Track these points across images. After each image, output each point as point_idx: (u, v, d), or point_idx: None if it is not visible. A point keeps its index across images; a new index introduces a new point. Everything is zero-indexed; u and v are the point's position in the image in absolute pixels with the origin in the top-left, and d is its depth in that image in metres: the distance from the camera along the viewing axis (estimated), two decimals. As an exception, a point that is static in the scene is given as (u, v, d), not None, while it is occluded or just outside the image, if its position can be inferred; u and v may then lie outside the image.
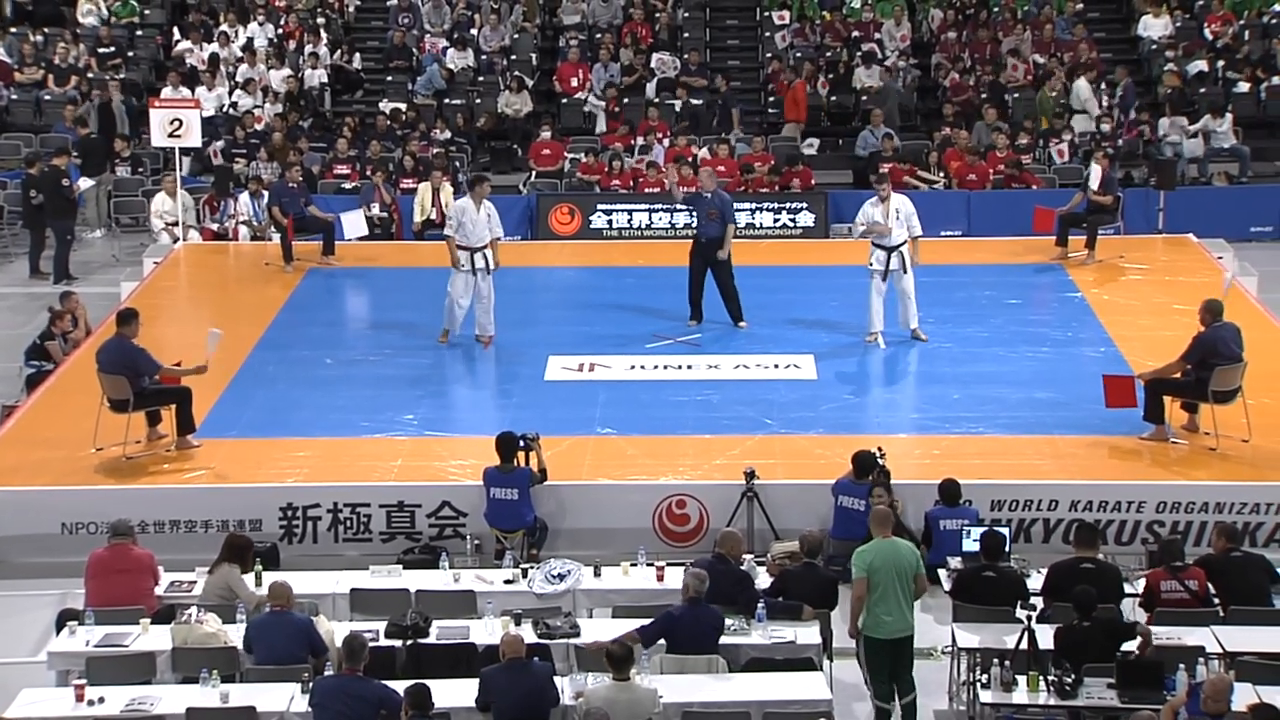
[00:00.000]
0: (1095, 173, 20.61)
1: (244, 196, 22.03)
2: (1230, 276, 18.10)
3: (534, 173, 24.53)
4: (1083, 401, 15.72)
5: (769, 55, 27.26)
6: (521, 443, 13.89)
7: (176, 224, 21.74)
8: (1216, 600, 11.91)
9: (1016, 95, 25.81)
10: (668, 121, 25.11)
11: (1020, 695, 10.82)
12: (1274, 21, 27.26)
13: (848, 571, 12.99)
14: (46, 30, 27.65)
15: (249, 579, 12.29)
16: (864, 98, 25.90)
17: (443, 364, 17.46)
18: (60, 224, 21.94)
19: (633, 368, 17.19)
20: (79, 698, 10.72)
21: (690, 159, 22.45)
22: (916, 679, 11.54)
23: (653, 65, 26.73)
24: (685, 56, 26.82)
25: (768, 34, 27.87)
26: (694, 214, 18.46)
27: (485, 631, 11.61)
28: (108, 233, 23.71)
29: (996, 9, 27.90)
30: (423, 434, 15.52)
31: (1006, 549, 12.38)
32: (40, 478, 14.54)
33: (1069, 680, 10.72)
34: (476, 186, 17.80)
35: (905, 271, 17.28)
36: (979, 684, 11.03)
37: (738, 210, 20.32)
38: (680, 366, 17.20)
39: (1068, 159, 24.04)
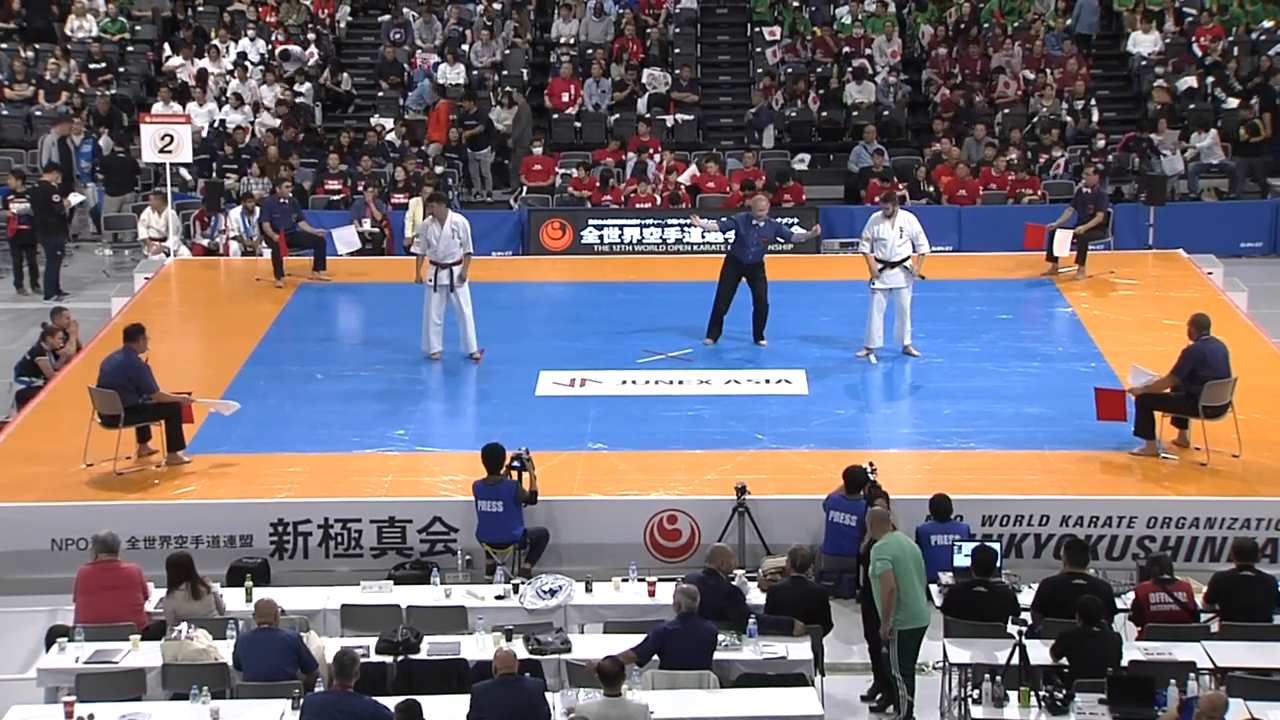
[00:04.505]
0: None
1: (234, 212, 22.04)
2: None
3: (525, 188, 24.56)
4: (1073, 416, 15.74)
5: (760, 71, 27.32)
6: (516, 463, 13.87)
7: (163, 239, 21.73)
8: (1206, 616, 11.92)
9: (1006, 111, 25.88)
10: (659, 137, 25.16)
11: (1012, 711, 10.81)
12: (1262, 38, 27.35)
13: (839, 586, 13.09)
14: (38, 46, 27.65)
15: (238, 594, 12.32)
16: (854, 113, 25.97)
17: (434, 379, 17.45)
18: (51, 240, 21.92)
19: (624, 383, 17.18)
20: (69, 715, 10.67)
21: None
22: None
23: (644, 81, 26.78)
24: (677, 72, 26.86)
25: (759, 50, 27.92)
26: (737, 234, 17.99)
27: (476, 647, 11.60)
28: (112, 249, 23.64)
29: (987, 25, 27.97)
30: (414, 449, 15.51)
31: (998, 564, 12.39)
32: (30, 494, 14.51)
33: (1060, 696, 10.73)
34: (432, 205, 17.78)
35: (905, 288, 17.31)
36: (970, 699, 11.02)
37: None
38: (671, 382, 17.20)
39: (1062, 172, 24.13)
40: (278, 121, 25.22)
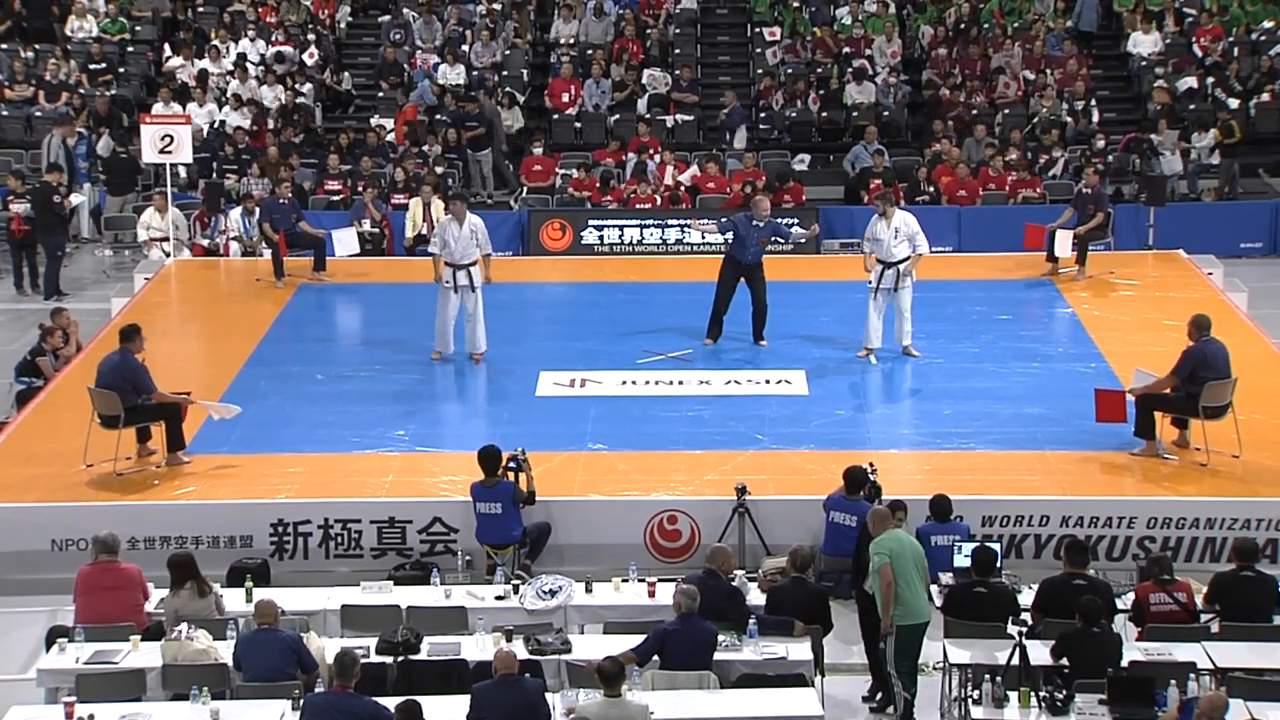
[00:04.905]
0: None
1: (235, 212, 22.03)
2: None
3: (525, 188, 24.56)
4: (1073, 417, 15.73)
5: (760, 71, 27.33)
6: (512, 464, 13.87)
7: (165, 239, 21.72)
8: (1206, 617, 11.93)
9: (1006, 111, 25.89)
10: (659, 137, 25.17)
11: (1012, 712, 10.81)
12: (1263, 39, 27.36)
13: (839, 587, 13.08)
14: (38, 46, 27.65)
15: (238, 595, 12.32)
16: (855, 114, 25.98)
17: (434, 380, 17.45)
18: (51, 240, 21.92)
19: (624, 383, 17.18)
20: (69, 715, 10.67)
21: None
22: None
23: (644, 81, 26.79)
24: (677, 73, 26.87)
25: (759, 50, 27.94)
26: (736, 234, 17.94)
27: (476, 648, 11.60)
28: (112, 249, 23.62)
29: (987, 25, 27.98)
30: (414, 450, 15.51)
31: (998, 564, 12.39)
32: (30, 494, 14.51)
33: (1060, 696, 10.73)
34: (452, 204, 17.80)
35: (903, 288, 17.30)
36: (970, 700, 11.02)
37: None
38: (671, 382, 17.19)
39: (1062, 173, 24.13)
40: (245, 122, 25.14)
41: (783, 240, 18.82)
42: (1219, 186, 24.49)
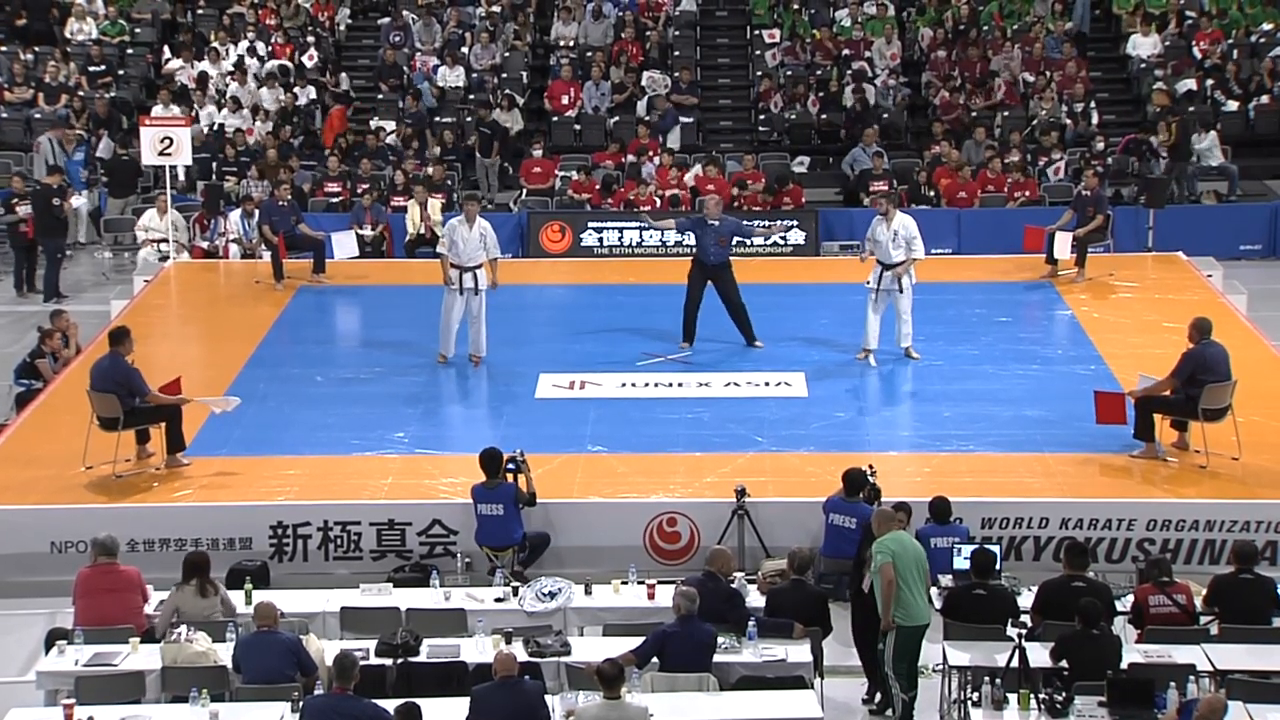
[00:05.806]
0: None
1: (234, 214, 22.03)
2: None
3: (525, 190, 24.56)
4: (1073, 419, 15.73)
5: (759, 74, 27.33)
6: (511, 465, 13.87)
7: (164, 241, 21.72)
8: (1206, 619, 11.92)
9: (1006, 114, 25.90)
10: (658, 139, 25.17)
11: (1011, 714, 10.81)
12: (1262, 41, 27.37)
13: (839, 589, 13.09)
14: (37, 49, 27.65)
15: (238, 597, 12.32)
16: (854, 116, 25.99)
17: (433, 382, 17.44)
18: (51, 242, 21.92)
19: (624, 385, 17.18)
20: (68, 717, 10.67)
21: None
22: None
23: (643, 84, 26.80)
24: (676, 75, 26.88)
25: (758, 52, 27.94)
26: (696, 238, 18.06)
27: (476, 650, 11.60)
28: (112, 252, 23.61)
29: (986, 27, 27.99)
30: (413, 452, 15.51)
31: (997, 567, 12.39)
32: (29, 496, 14.51)
33: (1060, 698, 10.73)
34: (465, 205, 17.84)
35: (902, 291, 17.31)
36: (970, 702, 11.02)
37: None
38: (671, 384, 17.20)
39: (1062, 176, 24.12)
40: (244, 124, 25.08)
41: (744, 239, 18.82)
42: (1166, 193, 24.18)
